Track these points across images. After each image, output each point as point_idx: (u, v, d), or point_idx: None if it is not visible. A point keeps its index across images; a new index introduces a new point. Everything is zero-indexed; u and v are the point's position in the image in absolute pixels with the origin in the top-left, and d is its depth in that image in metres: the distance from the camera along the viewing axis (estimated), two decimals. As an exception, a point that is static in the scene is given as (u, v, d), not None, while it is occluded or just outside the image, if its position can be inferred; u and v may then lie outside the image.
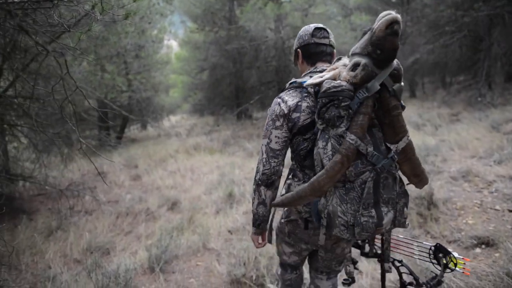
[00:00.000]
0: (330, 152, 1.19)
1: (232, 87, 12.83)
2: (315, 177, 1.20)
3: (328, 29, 1.53)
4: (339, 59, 1.35)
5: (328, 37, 1.51)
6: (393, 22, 1.04)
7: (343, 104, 1.15)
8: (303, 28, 1.56)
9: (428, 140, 6.05)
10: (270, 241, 1.66)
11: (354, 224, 1.18)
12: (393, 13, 1.05)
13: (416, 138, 6.45)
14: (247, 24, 8.36)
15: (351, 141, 1.15)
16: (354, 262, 1.66)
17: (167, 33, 18.25)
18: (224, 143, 9.33)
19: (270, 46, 10.35)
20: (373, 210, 1.20)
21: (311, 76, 1.40)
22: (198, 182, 6.24)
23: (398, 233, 2.92)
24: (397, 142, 1.23)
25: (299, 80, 1.45)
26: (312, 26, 1.52)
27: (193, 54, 14.35)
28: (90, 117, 10.75)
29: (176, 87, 22.91)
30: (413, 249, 1.67)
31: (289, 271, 1.77)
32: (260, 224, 1.56)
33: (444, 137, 6.88)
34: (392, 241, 1.71)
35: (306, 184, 1.23)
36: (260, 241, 1.64)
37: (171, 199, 5.27)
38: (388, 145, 1.24)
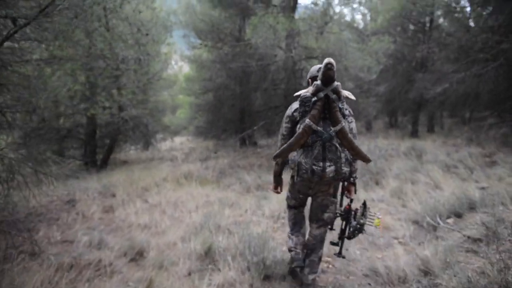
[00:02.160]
0: (301, 130, 2.22)
1: (236, 110, 11.82)
2: (290, 140, 2.25)
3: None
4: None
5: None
6: (328, 64, 2.09)
7: (306, 104, 2.30)
8: (312, 67, 2.68)
9: (469, 189, 4.81)
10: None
11: (311, 170, 2.25)
12: (329, 59, 2.09)
13: (452, 185, 5.24)
14: (255, 40, 7.39)
15: (307, 122, 2.20)
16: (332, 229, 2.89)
17: (175, 53, 17.70)
18: (220, 173, 8.18)
19: (280, 67, 9.38)
20: (321, 163, 2.26)
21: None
22: (178, 222, 5.07)
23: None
24: (335, 126, 2.23)
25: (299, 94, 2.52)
26: (317, 66, 2.52)
27: (198, 74, 13.52)
28: (77, 134, 9.80)
29: (184, 107, 22.28)
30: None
31: (292, 210, 2.87)
32: (276, 177, 2.82)
33: (482, 183, 5.64)
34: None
35: (286, 145, 2.24)
36: (278, 190, 2.88)
37: (138, 245, 4.10)
38: (331, 128, 2.26)
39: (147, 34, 7.63)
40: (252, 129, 10.06)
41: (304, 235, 2.83)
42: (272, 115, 10.16)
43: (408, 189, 5.15)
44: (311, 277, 2.70)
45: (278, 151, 2.27)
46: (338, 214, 2.72)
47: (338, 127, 2.19)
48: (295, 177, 2.38)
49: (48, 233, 4.84)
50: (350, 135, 2.23)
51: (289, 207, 2.86)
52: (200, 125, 15.95)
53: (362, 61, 8.56)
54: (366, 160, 2.25)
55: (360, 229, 2.57)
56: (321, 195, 2.56)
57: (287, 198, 2.84)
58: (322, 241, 2.72)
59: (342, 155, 2.28)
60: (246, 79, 10.50)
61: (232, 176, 7.90)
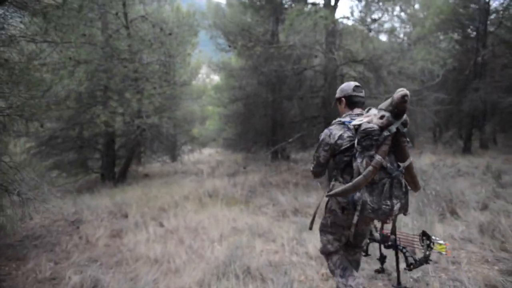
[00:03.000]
0: (365, 165, 1.95)
1: (268, 121, 10.77)
2: (356, 179, 1.94)
3: (361, 86, 2.37)
4: (369, 109, 2.18)
5: (362, 92, 2.35)
6: (405, 95, 1.86)
7: (374, 138, 1.95)
8: (344, 84, 2.38)
9: None
10: (310, 228, 2.43)
11: (378, 208, 1.97)
12: (405, 90, 1.87)
13: None
14: (291, 38, 6.34)
15: (378, 159, 1.92)
16: (384, 257, 2.87)
17: (204, 63, 17.07)
18: (249, 191, 7.10)
19: (318, 72, 8.27)
20: (388, 201, 2.00)
21: (352, 117, 2.24)
22: (197, 257, 4.01)
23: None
24: (404, 161, 2.04)
25: (342, 119, 2.25)
26: (352, 83, 2.34)
27: (227, 82, 12.69)
28: (95, 143, 9.10)
29: (213, 118, 21.63)
30: (414, 241, 2.55)
31: (335, 256, 2.40)
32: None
33: None
34: (399, 235, 2.67)
35: (350, 183, 1.96)
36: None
37: (141, 291, 3.07)
38: (399, 163, 2.05)
39: (170, 34, 6.82)
40: (285, 142, 8.93)
41: (359, 277, 2.45)
42: (308, 127, 9.00)
43: (502, 224, 3.82)
44: None
45: (338, 190, 2.05)
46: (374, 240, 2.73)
47: (407, 163, 2.06)
48: (353, 216, 2.09)
49: (39, 264, 3.94)
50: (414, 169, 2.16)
51: (330, 254, 2.45)
52: (228, 137, 15.08)
53: (416, 66, 7.28)
54: (418, 188, 2.22)
55: (425, 260, 2.38)
56: (365, 227, 2.40)
57: (325, 245, 2.44)
58: (358, 265, 2.57)
59: (408, 189, 2.13)
60: (280, 86, 9.44)
61: (263, 195, 6.79)
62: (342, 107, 2.35)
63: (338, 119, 2.28)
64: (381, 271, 2.81)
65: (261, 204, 6.29)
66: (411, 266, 2.39)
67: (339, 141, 2.16)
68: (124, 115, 6.45)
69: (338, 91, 2.38)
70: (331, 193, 2.07)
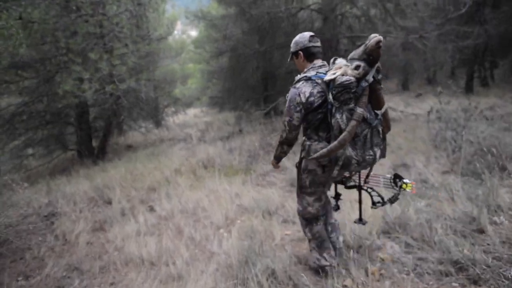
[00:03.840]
0: (346, 120, 1.89)
1: (259, 74, 9.66)
2: (341, 136, 1.89)
3: (317, 35, 2.23)
4: (335, 59, 2.06)
5: (318, 41, 2.21)
6: (379, 41, 1.79)
7: (352, 90, 1.86)
8: (298, 36, 2.24)
9: None
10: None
11: (363, 161, 1.97)
12: (378, 36, 1.80)
13: None
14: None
15: (360, 112, 1.87)
16: (339, 195, 2.63)
17: (180, 21, 15.28)
18: (249, 157, 6.24)
19: (315, 12, 7.11)
20: (371, 151, 2.00)
21: (317, 71, 2.14)
22: (202, 253, 3.24)
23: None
24: (380, 108, 2.01)
25: (308, 74, 2.12)
26: (307, 34, 2.21)
27: (208, 34, 11.30)
28: (66, 117, 7.93)
29: (195, 76, 20.23)
30: (380, 180, 2.46)
31: (315, 223, 2.35)
32: (278, 160, 2.44)
33: None
34: (364, 175, 2.44)
35: (335, 142, 1.91)
36: (279, 165, 2.52)
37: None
38: (375, 111, 2.01)
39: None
40: (280, 99, 7.93)
41: (333, 242, 2.50)
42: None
43: None
44: (341, 238, 2.59)
45: (323, 152, 1.97)
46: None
47: (384, 109, 2.02)
48: (332, 170, 2.10)
49: (2, 284, 3.10)
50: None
51: (310, 220, 2.37)
52: (214, 95, 13.94)
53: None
54: (389, 129, 2.16)
55: (395, 200, 2.34)
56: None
57: (305, 208, 2.34)
58: (329, 202, 2.54)
59: (382, 137, 2.09)
60: (272, 31, 8.19)
61: (266, 161, 5.95)
62: (301, 61, 2.23)
63: (303, 74, 2.16)
64: (336, 208, 2.64)
65: (265, 171, 5.48)
66: (378, 204, 2.37)
67: (310, 99, 2.07)
68: (91, 82, 5.28)
69: (292, 44, 2.25)
70: (314, 156, 2.04)
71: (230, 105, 11.02)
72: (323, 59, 2.24)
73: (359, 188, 2.45)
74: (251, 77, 9.65)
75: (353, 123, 1.86)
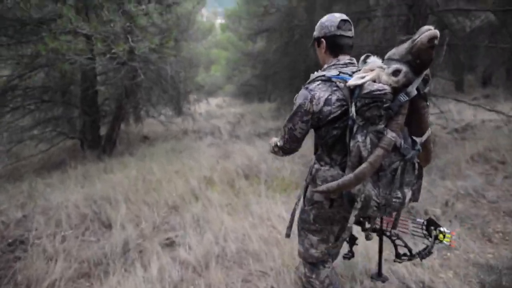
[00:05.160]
0: (369, 146, 1.29)
1: (305, 59, 7.89)
2: (359, 168, 1.29)
3: (351, 21, 1.56)
4: (367, 57, 1.41)
5: (351, 30, 1.56)
6: (434, 37, 1.16)
7: (384, 105, 1.25)
8: (327, 17, 1.57)
9: None
10: (288, 236, 1.76)
11: (385, 204, 1.36)
12: (432, 29, 1.17)
13: None
14: None
15: (392, 138, 1.26)
16: (354, 239, 1.87)
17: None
18: (305, 166, 4.54)
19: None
20: (399, 192, 1.38)
21: (340, 70, 1.49)
22: None
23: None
24: (421, 135, 1.38)
25: (327, 73, 1.48)
26: (338, 16, 1.54)
27: (244, 9, 9.57)
28: (69, 96, 6.37)
29: (219, 63, 18.89)
30: (408, 225, 1.80)
31: (321, 266, 1.73)
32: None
33: None
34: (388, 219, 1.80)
35: (351, 175, 1.31)
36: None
37: None
38: (414, 137, 1.38)
39: None
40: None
41: None
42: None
43: None
44: None
45: (333, 186, 1.34)
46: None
47: (425, 137, 1.40)
48: (353, 212, 1.40)
49: None
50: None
51: (316, 264, 1.72)
52: (244, 83, 12.38)
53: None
54: (429, 162, 1.56)
55: (427, 254, 1.71)
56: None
57: (307, 250, 1.70)
58: (337, 255, 1.94)
59: (418, 173, 1.47)
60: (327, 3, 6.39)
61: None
62: (322, 53, 1.59)
63: (321, 72, 1.53)
64: (350, 256, 1.90)
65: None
66: (403, 258, 1.72)
67: (325, 108, 1.44)
68: (93, 38, 3.53)
69: (317, 27, 1.60)
70: (319, 189, 1.41)
71: (263, 94, 9.35)
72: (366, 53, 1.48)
73: (381, 233, 1.80)
74: (296, 63, 7.87)
75: (379, 151, 1.28)
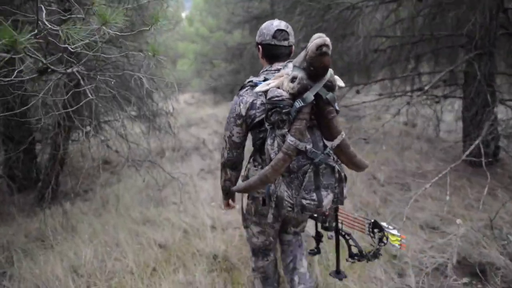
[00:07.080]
0: (276, 148, 1.33)
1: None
2: (263, 170, 1.32)
3: (288, 29, 1.57)
4: (290, 62, 1.43)
5: (288, 39, 1.57)
6: (321, 45, 1.15)
7: (284, 110, 1.28)
8: (266, 24, 1.60)
9: None
10: (245, 226, 1.87)
11: (299, 204, 1.35)
12: (323, 37, 1.15)
13: None
14: None
15: (290, 142, 1.27)
16: (320, 236, 1.93)
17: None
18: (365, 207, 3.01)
19: None
20: (314, 194, 1.35)
21: (267, 76, 1.52)
22: None
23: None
24: (332, 140, 1.35)
25: (255, 79, 1.56)
26: (275, 25, 1.56)
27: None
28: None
29: (187, 57, 17.41)
30: (364, 225, 1.76)
31: (260, 257, 1.89)
32: (227, 194, 1.81)
33: None
34: (347, 217, 1.81)
35: (256, 176, 1.34)
36: (231, 204, 1.87)
37: None
38: (325, 142, 1.36)
39: None
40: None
41: None
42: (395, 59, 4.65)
43: None
44: None
45: (242, 186, 1.45)
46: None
47: (337, 141, 1.36)
48: (270, 210, 1.45)
49: None
50: (351, 147, 1.43)
51: (256, 252, 1.92)
52: (218, 77, 11.34)
53: None
54: (363, 168, 1.49)
55: (375, 256, 1.70)
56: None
57: (249, 238, 1.90)
58: (301, 246, 1.98)
59: (342, 175, 1.43)
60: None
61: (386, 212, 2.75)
62: (260, 58, 1.68)
63: (251, 78, 1.62)
64: (316, 252, 1.99)
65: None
66: (355, 258, 1.73)
67: (251, 112, 1.55)
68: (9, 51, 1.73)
69: (258, 31, 1.66)
70: (234, 188, 1.58)
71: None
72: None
73: (336, 231, 1.80)
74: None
75: (279, 155, 1.30)
